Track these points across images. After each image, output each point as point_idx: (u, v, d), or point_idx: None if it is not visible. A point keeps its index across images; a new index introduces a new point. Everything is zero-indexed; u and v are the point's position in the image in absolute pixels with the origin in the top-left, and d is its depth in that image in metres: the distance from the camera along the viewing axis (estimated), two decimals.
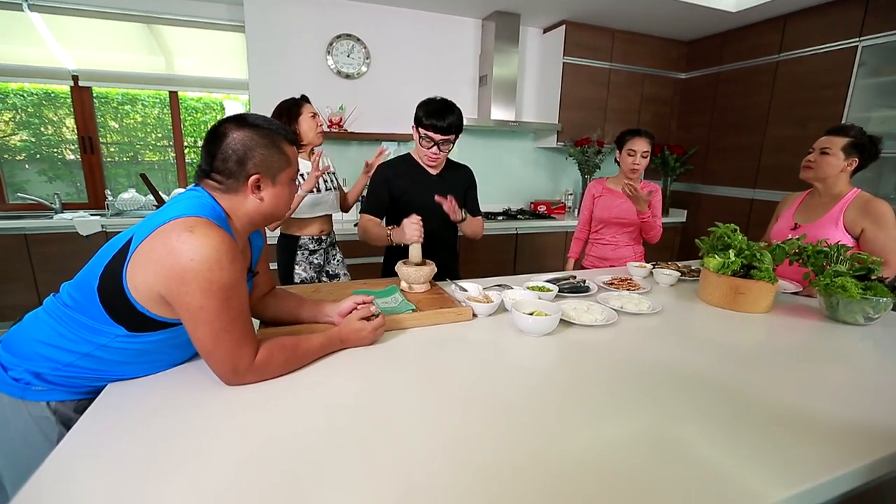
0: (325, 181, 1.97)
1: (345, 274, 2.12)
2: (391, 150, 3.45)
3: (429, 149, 1.62)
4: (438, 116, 1.56)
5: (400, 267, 1.42)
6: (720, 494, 0.63)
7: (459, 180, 1.80)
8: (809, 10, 2.88)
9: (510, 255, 3.33)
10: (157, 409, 0.82)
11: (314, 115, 1.91)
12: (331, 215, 2.08)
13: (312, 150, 1.98)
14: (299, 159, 1.79)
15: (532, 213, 3.67)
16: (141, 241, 0.79)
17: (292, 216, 1.88)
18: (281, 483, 0.63)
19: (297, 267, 1.95)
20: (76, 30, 2.90)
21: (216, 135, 0.86)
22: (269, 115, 1.10)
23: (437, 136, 1.58)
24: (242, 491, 0.61)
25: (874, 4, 2.57)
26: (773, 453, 0.72)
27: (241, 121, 0.88)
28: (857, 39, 2.64)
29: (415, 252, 1.44)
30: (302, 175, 1.87)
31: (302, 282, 1.94)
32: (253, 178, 0.87)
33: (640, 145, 2.01)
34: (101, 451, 0.70)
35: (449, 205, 1.55)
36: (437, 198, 1.56)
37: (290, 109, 1.88)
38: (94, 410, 0.80)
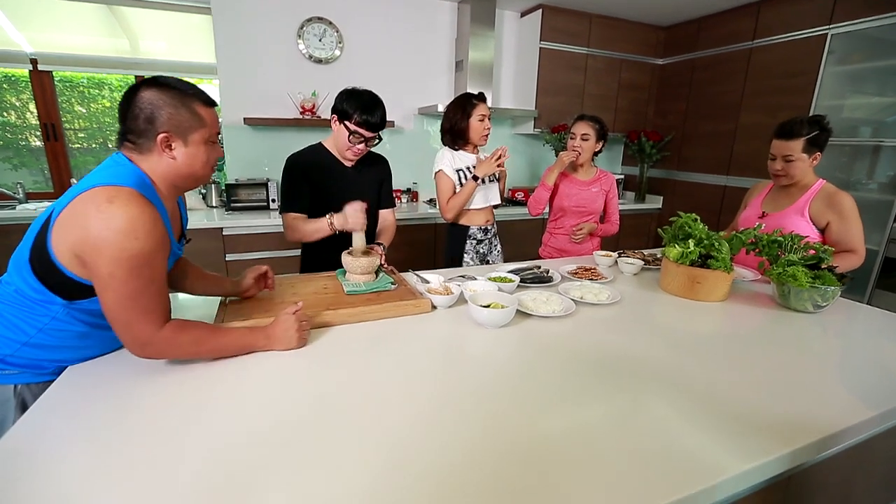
0: (470, 172, 2.01)
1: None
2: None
3: (356, 145, 1.56)
4: (371, 113, 1.50)
5: (344, 257, 1.39)
6: (669, 476, 0.66)
7: (375, 174, 1.76)
8: None
9: None
10: (108, 397, 0.84)
11: (482, 117, 1.95)
12: (492, 206, 2.12)
13: (476, 147, 2.04)
14: (463, 153, 1.98)
15: (509, 200, 3.67)
16: (63, 207, 0.82)
17: (465, 207, 1.97)
18: (228, 474, 0.63)
19: (465, 255, 2.04)
20: (32, 11, 2.77)
21: (128, 96, 0.87)
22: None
23: (369, 134, 1.53)
24: (190, 482, 0.62)
25: None
26: (716, 439, 0.75)
27: (151, 81, 0.88)
28: (827, 27, 2.66)
29: (358, 242, 1.41)
30: (469, 168, 1.98)
31: None
32: (161, 136, 0.87)
33: (579, 128, 2.03)
34: (53, 438, 0.72)
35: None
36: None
37: (465, 106, 1.94)
38: (48, 395, 0.84)
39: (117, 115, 0.89)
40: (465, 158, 2.00)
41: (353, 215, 1.42)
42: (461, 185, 1.97)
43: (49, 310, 0.87)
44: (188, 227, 1.13)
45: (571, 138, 2.05)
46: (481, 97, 1.96)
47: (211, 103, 0.95)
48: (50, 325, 0.88)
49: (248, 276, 1.22)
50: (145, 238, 0.80)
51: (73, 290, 0.85)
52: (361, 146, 1.57)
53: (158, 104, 0.86)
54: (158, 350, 0.89)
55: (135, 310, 0.83)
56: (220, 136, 1.01)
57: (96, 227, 0.78)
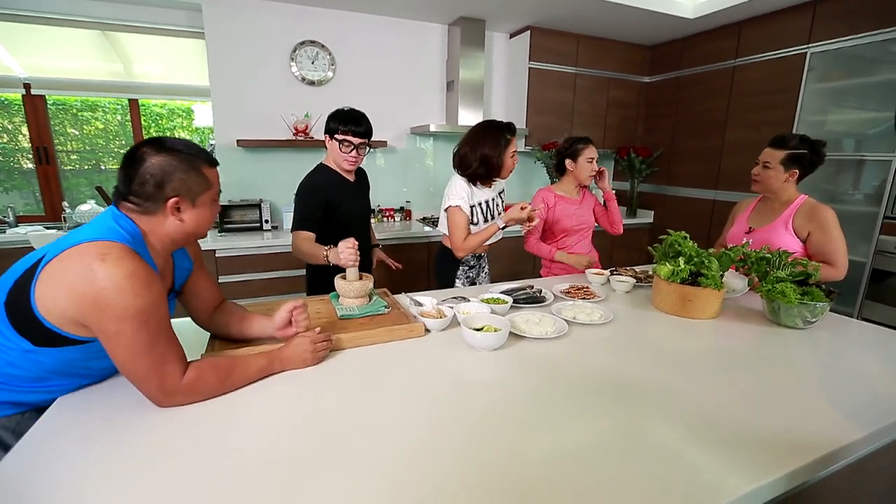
0: (488, 207, 1.95)
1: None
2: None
3: (349, 153, 1.71)
4: (355, 122, 1.68)
5: (337, 281, 1.40)
6: (664, 500, 0.66)
7: (366, 185, 1.98)
8: (762, 18, 2.97)
9: None
10: (98, 432, 0.83)
11: (514, 154, 1.85)
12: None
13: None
14: (481, 188, 1.91)
15: None
16: (50, 260, 0.80)
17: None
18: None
19: (457, 280, 2.05)
20: (26, 37, 2.79)
21: (133, 158, 0.87)
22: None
23: (357, 140, 1.70)
24: None
25: (821, 13, 2.67)
26: (711, 462, 0.75)
27: (159, 145, 0.89)
28: (806, 46, 2.74)
29: (351, 275, 1.40)
30: (487, 203, 1.92)
31: None
32: (172, 200, 0.89)
33: (595, 152, 2.06)
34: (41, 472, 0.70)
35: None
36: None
37: (499, 139, 1.81)
38: (35, 430, 0.82)
39: (119, 173, 0.89)
40: (480, 193, 1.92)
41: (344, 252, 1.40)
42: (474, 222, 1.91)
43: (6, 355, 0.84)
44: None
45: (590, 161, 2.03)
46: (509, 129, 1.84)
47: (214, 163, 0.97)
48: (17, 361, 0.85)
49: (282, 312, 1.10)
50: (144, 292, 0.81)
51: (48, 338, 0.83)
52: (354, 153, 1.72)
53: (169, 170, 0.87)
54: (186, 395, 0.88)
55: (150, 363, 0.83)
56: (219, 192, 1.01)
57: (93, 287, 0.77)
